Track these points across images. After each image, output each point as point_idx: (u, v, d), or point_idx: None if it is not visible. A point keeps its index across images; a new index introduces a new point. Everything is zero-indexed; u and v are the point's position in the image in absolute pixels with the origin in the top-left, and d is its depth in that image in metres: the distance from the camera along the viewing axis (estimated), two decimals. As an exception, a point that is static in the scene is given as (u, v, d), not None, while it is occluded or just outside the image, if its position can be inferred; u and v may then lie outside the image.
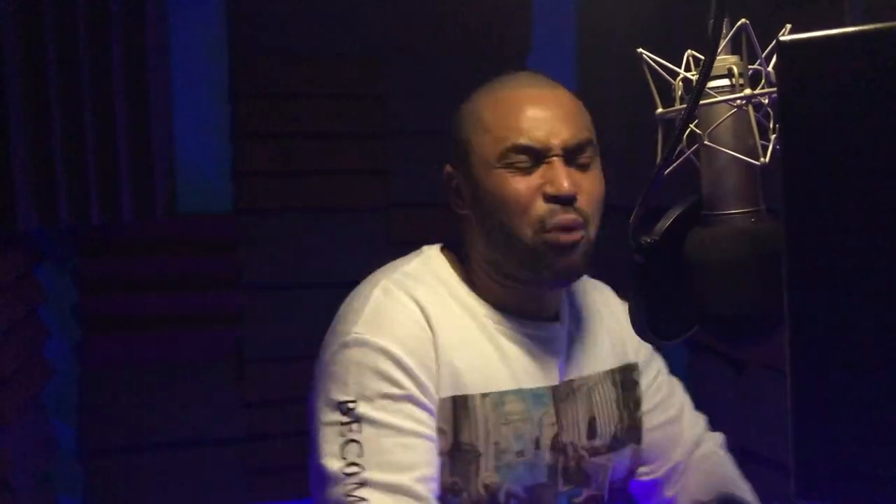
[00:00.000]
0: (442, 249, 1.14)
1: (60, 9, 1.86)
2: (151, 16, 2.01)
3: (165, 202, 2.10)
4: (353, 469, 0.94)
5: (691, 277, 0.81)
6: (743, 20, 0.76)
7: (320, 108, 2.24)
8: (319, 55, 2.21)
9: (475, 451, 1.00)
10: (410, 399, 0.97)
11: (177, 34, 2.12)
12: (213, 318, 2.17)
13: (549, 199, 1.00)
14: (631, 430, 1.16)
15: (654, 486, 1.20)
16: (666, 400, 1.20)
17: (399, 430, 0.96)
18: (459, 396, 1.00)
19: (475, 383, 1.01)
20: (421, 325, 1.00)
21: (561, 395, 1.08)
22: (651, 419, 1.19)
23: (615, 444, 1.13)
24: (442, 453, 1.00)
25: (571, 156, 1.02)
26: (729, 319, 0.80)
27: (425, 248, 1.14)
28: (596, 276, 1.29)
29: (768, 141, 0.78)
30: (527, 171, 1.00)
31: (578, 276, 1.07)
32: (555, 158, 1.01)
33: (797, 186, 0.63)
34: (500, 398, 1.01)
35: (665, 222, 0.83)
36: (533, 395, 1.05)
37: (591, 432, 1.10)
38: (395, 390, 0.97)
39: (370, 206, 2.24)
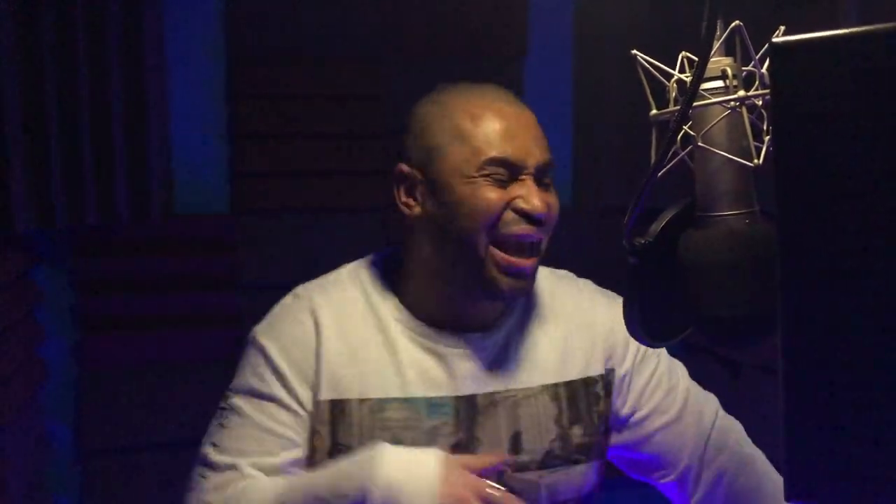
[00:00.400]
0: (386, 256, 1.17)
1: (58, 10, 1.86)
2: (149, 17, 2.02)
3: (162, 203, 2.10)
4: (210, 450, 1.08)
5: (685, 279, 0.82)
6: (737, 22, 0.76)
7: (318, 108, 2.24)
8: (317, 56, 2.22)
9: (351, 453, 1.04)
10: (274, 400, 1.06)
11: (174, 35, 2.12)
12: (212, 318, 2.17)
13: (520, 213, 1.03)
14: (582, 447, 1.13)
15: (674, 488, 1.18)
16: (663, 401, 1.17)
17: (256, 424, 1.05)
18: (338, 400, 1.06)
19: (356, 389, 1.06)
20: (307, 334, 1.07)
21: (478, 406, 1.08)
22: (651, 423, 1.17)
23: (550, 462, 1.11)
24: (322, 452, 1.06)
25: (540, 175, 1.06)
26: (723, 321, 0.80)
27: (370, 255, 1.18)
28: (591, 276, 1.28)
29: (762, 142, 0.78)
30: (501, 184, 1.03)
31: (523, 296, 1.09)
32: (527, 177, 1.04)
33: (791, 188, 0.63)
34: (379, 405, 1.05)
35: (659, 224, 0.83)
36: (429, 405, 1.07)
37: (516, 447, 1.09)
38: (263, 389, 1.06)
39: (369, 207, 2.24)
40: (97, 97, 1.94)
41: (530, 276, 1.07)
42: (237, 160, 2.21)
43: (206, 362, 2.13)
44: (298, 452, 1.06)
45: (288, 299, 1.13)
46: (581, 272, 1.27)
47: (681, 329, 0.91)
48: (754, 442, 1.21)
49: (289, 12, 2.18)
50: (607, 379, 1.16)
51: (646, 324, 0.86)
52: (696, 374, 1.26)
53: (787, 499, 0.65)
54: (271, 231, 2.22)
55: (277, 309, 1.13)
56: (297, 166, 2.23)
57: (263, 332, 1.10)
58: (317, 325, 1.08)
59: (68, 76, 1.89)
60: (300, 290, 1.14)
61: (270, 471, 1.05)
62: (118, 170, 1.99)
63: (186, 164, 2.18)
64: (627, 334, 1.15)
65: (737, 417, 1.24)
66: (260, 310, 2.13)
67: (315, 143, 2.25)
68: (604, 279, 1.27)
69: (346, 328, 1.08)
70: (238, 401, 1.08)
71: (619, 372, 1.16)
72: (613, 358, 1.16)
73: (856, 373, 0.62)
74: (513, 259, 1.04)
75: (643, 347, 1.17)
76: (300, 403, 1.06)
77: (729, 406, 1.24)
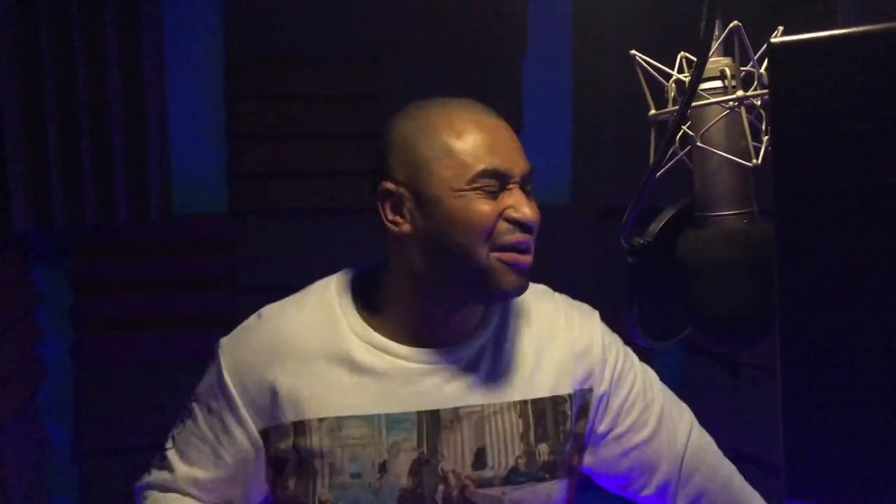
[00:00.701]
0: (362, 271, 1.19)
1: (56, 10, 1.86)
2: (147, 17, 2.02)
3: (161, 204, 2.10)
4: (169, 444, 1.17)
5: (684, 279, 0.82)
6: (735, 22, 0.76)
7: (317, 109, 2.24)
8: (317, 56, 2.22)
9: (313, 470, 1.09)
10: (221, 420, 1.12)
11: (172, 36, 2.12)
12: (209, 319, 2.17)
13: (512, 222, 1.05)
14: (548, 465, 1.13)
15: (652, 502, 1.19)
16: (639, 419, 1.18)
17: (201, 436, 1.13)
18: (297, 422, 1.09)
19: (315, 409, 1.09)
20: (263, 361, 1.11)
21: (441, 421, 1.10)
22: (627, 441, 1.18)
23: (514, 478, 1.11)
24: (290, 470, 1.11)
25: (524, 184, 1.08)
26: (721, 320, 0.80)
27: (346, 268, 1.20)
28: (590, 276, 1.27)
29: (760, 142, 0.78)
30: (492, 196, 1.05)
31: (522, 293, 1.10)
32: (514, 186, 1.06)
33: (789, 188, 0.63)
34: (337, 423, 1.08)
35: (657, 224, 0.83)
36: (389, 420, 1.09)
37: (480, 462, 1.10)
38: (213, 406, 1.12)
39: (369, 207, 2.24)
40: (96, 98, 1.94)
41: (528, 273, 1.08)
42: (236, 161, 2.21)
43: (205, 363, 2.13)
44: (225, 472, 1.12)
45: (252, 320, 1.16)
46: (581, 272, 1.27)
47: (680, 328, 0.91)
48: (754, 442, 1.21)
49: (289, 12, 2.18)
50: (583, 398, 1.17)
51: (645, 324, 0.86)
52: (696, 374, 1.25)
53: (786, 498, 0.65)
54: (270, 231, 2.22)
55: (242, 329, 1.15)
56: (296, 166, 2.23)
57: (224, 350, 1.13)
58: (274, 350, 1.10)
59: (67, 76, 1.89)
60: (265, 311, 1.16)
61: (196, 483, 1.13)
62: (117, 170, 1.99)
63: (185, 165, 2.18)
64: (604, 353, 1.17)
65: (737, 417, 1.24)
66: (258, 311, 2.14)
67: (315, 143, 2.24)
68: (603, 279, 1.27)
69: (306, 350, 1.10)
70: (195, 407, 1.15)
71: (597, 392, 1.17)
72: (592, 378, 1.17)
73: (854, 372, 0.62)
74: (516, 256, 1.05)
75: (619, 365, 1.18)
76: (245, 429, 1.10)
77: (729, 406, 1.24)
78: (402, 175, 1.07)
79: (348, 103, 2.25)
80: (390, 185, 1.08)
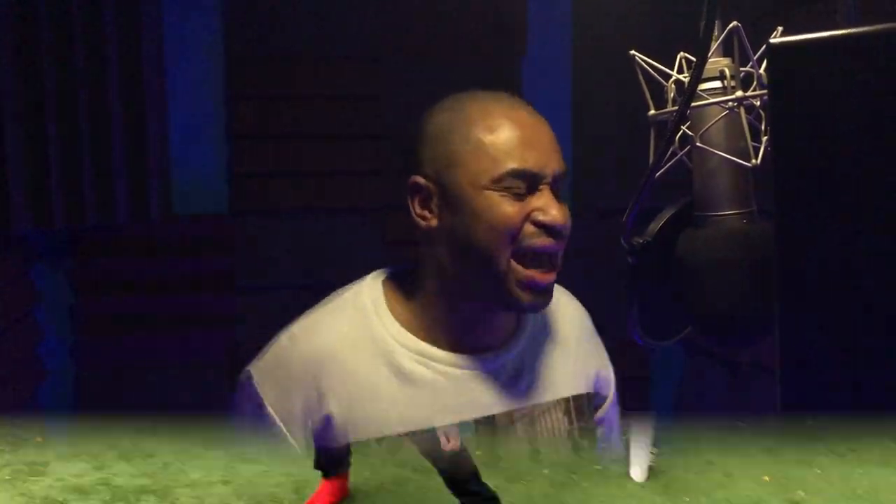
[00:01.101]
0: (391, 275, 1.14)
1: (55, 11, 1.86)
2: (148, 17, 2.02)
3: (161, 204, 2.10)
4: None
5: (683, 278, 0.82)
6: (735, 22, 0.76)
7: (317, 109, 2.24)
8: (317, 56, 2.22)
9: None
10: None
11: (173, 36, 2.12)
12: (209, 319, 2.17)
13: (539, 225, 1.01)
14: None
15: None
16: (601, 437, 1.21)
17: None
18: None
19: (371, 430, 1.02)
20: (306, 386, 1.03)
21: (497, 426, 1.08)
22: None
23: None
24: None
25: (556, 185, 1.04)
26: (721, 319, 0.80)
27: (373, 273, 1.14)
28: (591, 276, 1.28)
29: (760, 143, 0.78)
30: (520, 197, 1.01)
31: (543, 308, 1.07)
32: (545, 187, 1.02)
33: (788, 188, 0.63)
34: (397, 440, 1.02)
35: (657, 223, 0.84)
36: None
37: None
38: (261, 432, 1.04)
39: (368, 207, 2.24)
40: (96, 98, 1.94)
41: (550, 291, 1.05)
42: (236, 160, 2.21)
43: (204, 363, 2.13)
44: None
45: (284, 342, 1.07)
46: (581, 272, 1.27)
47: (680, 329, 0.91)
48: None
49: (289, 12, 2.18)
50: (596, 403, 1.18)
51: (645, 324, 0.86)
52: (696, 374, 1.26)
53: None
54: (270, 231, 2.22)
55: (274, 355, 1.07)
56: (296, 166, 2.23)
57: (261, 383, 1.05)
58: (317, 373, 1.04)
59: (66, 77, 1.89)
60: (296, 331, 1.08)
61: None
62: (117, 170, 1.99)
63: (185, 165, 2.17)
64: (610, 374, 1.18)
65: (736, 417, 1.24)
66: (258, 311, 2.14)
67: (315, 143, 2.24)
68: (603, 279, 1.27)
69: (349, 367, 1.04)
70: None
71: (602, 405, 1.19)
72: (604, 391, 1.19)
73: (852, 372, 0.62)
74: (534, 275, 1.01)
75: (612, 388, 1.20)
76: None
77: (729, 406, 1.24)
78: (432, 168, 1.04)
79: (348, 103, 2.25)
80: (420, 180, 1.04)
